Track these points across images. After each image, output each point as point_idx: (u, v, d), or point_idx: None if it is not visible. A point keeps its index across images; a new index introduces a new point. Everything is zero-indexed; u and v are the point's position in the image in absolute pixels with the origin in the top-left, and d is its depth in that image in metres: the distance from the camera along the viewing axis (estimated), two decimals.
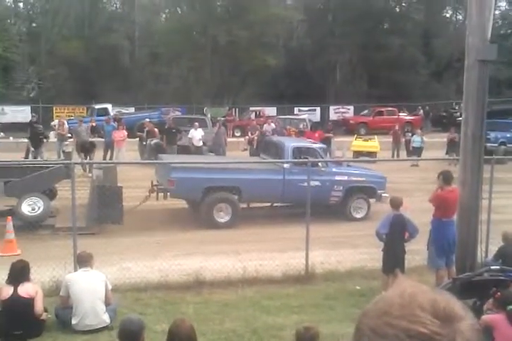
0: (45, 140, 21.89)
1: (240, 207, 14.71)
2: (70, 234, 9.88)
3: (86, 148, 21.29)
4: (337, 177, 15.24)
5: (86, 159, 20.57)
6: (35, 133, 21.72)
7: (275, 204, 15.85)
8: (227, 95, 40.81)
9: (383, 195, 15.12)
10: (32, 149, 21.38)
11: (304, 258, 10.25)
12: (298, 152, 15.53)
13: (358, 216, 15.31)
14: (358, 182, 15.49)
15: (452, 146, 23.26)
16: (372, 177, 15.81)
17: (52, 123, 26.01)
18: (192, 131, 23.87)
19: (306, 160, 14.05)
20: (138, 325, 5.22)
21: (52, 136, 23.57)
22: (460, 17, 48.36)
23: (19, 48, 40.40)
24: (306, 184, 11.82)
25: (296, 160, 14.96)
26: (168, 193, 14.63)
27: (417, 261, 9.94)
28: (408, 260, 9.40)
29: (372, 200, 15.45)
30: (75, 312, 7.68)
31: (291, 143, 16.37)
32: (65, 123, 24.91)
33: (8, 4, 46.95)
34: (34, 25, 46.27)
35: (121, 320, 5.68)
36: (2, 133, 24.04)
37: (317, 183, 14.18)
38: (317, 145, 16.78)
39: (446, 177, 9.31)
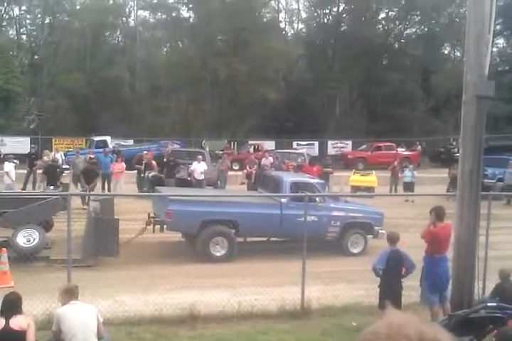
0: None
1: (236, 241, 14.63)
2: (65, 266, 9.81)
3: (89, 176, 21.04)
4: (334, 213, 15.23)
5: (88, 186, 20.50)
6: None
7: (272, 239, 15.77)
8: (226, 128, 41.04)
9: (380, 231, 15.10)
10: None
11: (300, 293, 10.16)
12: (296, 187, 15.53)
13: (355, 251, 15.25)
14: (356, 217, 15.47)
15: (454, 182, 23.23)
16: (370, 214, 15.80)
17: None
18: (195, 163, 23.96)
19: (304, 194, 14.05)
20: None
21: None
22: (458, 54, 48.99)
23: (20, 80, 40.71)
24: (303, 219, 11.81)
25: (293, 194, 14.94)
26: (165, 226, 14.58)
27: (413, 297, 9.84)
28: (405, 296, 9.31)
29: (369, 236, 15.40)
30: None
31: (289, 177, 16.38)
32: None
33: (11, 36, 47.54)
34: (36, 57, 46.73)
35: None
36: (17, 161, 23.81)
37: (314, 218, 14.17)
38: (315, 181, 16.80)
39: (438, 213, 9.30)
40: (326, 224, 14.93)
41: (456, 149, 36.82)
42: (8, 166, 21.79)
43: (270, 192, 15.93)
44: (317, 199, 14.82)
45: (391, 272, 9.00)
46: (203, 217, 14.21)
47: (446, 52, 52.51)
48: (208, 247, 14.26)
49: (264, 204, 15.13)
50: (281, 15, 52.01)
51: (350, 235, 15.31)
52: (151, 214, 15.02)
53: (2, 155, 30.83)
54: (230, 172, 27.65)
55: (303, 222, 11.56)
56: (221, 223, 14.49)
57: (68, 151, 31.51)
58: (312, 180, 16.70)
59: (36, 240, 13.47)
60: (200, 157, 24.39)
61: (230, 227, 14.54)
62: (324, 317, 9.93)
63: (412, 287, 9.67)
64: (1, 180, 21.69)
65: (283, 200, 14.89)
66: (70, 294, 7.88)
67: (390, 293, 8.93)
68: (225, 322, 9.52)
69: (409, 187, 25.50)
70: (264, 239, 15.84)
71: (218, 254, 14.35)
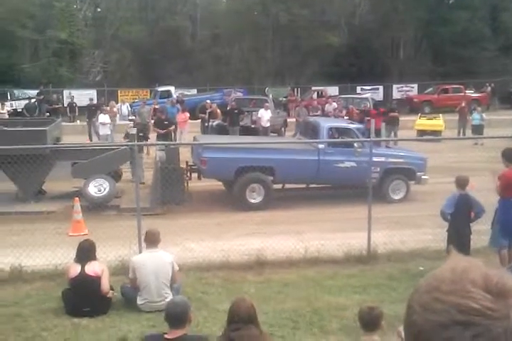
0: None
1: (272, 188, 14.43)
2: (135, 214, 10.07)
3: (163, 124, 20.69)
4: (374, 159, 14.79)
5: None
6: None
7: (311, 186, 15.45)
8: (289, 75, 40.66)
9: (423, 177, 14.82)
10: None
11: (366, 239, 10.15)
12: (334, 132, 15.32)
13: (397, 197, 14.90)
14: (396, 163, 15.03)
15: None
16: (412, 159, 15.34)
17: (117, 106, 26.46)
18: (261, 111, 23.86)
19: (359, 139, 14.06)
20: (183, 306, 5.25)
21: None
22: None
23: (85, 33, 41.18)
24: (341, 165, 11.65)
25: (334, 140, 14.74)
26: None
27: (483, 241, 9.68)
28: (474, 240, 9.18)
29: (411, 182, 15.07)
30: (141, 294, 7.82)
31: (326, 123, 16.06)
32: (115, 105, 25.42)
33: None
34: (99, 9, 47.01)
35: (167, 303, 5.78)
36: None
37: (353, 164, 14.04)
38: (354, 126, 16.24)
39: (509, 155, 9.03)
40: (364, 169, 14.52)
41: None
42: (104, 117, 22.10)
43: (309, 139, 15.60)
44: (355, 144, 14.52)
45: (460, 216, 8.85)
46: (237, 164, 13.99)
47: None
48: (245, 194, 14.16)
49: (301, 150, 14.78)
50: None
51: (391, 181, 14.92)
52: (189, 163, 15.10)
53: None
54: (294, 119, 27.43)
55: (341, 167, 11.44)
56: (257, 170, 14.22)
57: (134, 102, 31.98)
58: (351, 125, 16.26)
59: (107, 190, 13.85)
60: (267, 104, 24.29)
61: (267, 174, 14.35)
62: (390, 262, 9.91)
63: (481, 231, 9.49)
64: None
65: (320, 146, 14.62)
66: (148, 241, 8.06)
67: (459, 237, 8.83)
68: (291, 268, 9.62)
69: (478, 130, 24.79)
70: (303, 185, 15.51)
71: (254, 201, 14.20)
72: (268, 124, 23.59)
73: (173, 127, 21.07)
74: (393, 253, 10.23)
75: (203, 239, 10.97)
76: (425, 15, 42.06)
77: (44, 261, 9.39)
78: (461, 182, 9.02)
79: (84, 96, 34.76)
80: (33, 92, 33.12)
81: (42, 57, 39.32)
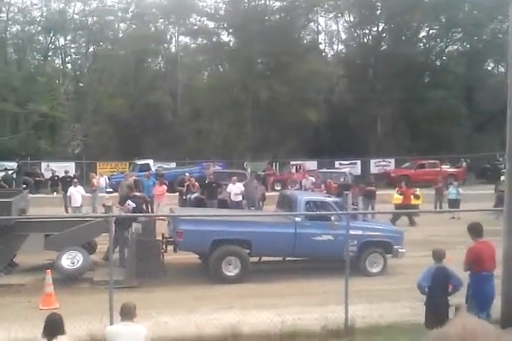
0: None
1: (249, 261, 14.24)
2: (108, 287, 9.81)
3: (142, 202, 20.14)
4: (351, 232, 14.69)
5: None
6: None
7: (287, 259, 15.36)
8: (268, 150, 41.06)
9: (400, 250, 14.80)
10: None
11: (344, 312, 9.95)
12: (311, 205, 15.34)
13: (374, 270, 14.79)
14: (373, 236, 14.99)
15: (501, 199, 22.59)
16: (389, 232, 15.39)
17: (94, 179, 26.47)
18: (230, 185, 23.72)
19: (335, 212, 14.25)
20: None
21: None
22: (502, 69, 48.18)
23: (66, 107, 41.60)
24: (318, 238, 12.30)
25: (311, 213, 14.77)
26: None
27: None
28: (452, 314, 9.02)
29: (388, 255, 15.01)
30: None
31: (303, 196, 16.12)
32: (95, 177, 26.03)
33: (57, 65, 48.75)
34: (81, 84, 47.72)
35: None
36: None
37: (330, 237, 14.03)
38: (330, 199, 16.29)
39: (475, 229, 9.09)
40: (342, 243, 14.36)
41: (502, 165, 36.17)
42: (72, 190, 22.21)
43: (286, 212, 15.63)
44: (332, 217, 14.53)
45: (437, 289, 8.74)
46: (213, 237, 13.87)
47: (489, 68, 51.73)
48: (220, 267, 13.93)
49: (278, 223, 14.77)
50: (321, 37, 52.27)
51: (368, 254, 14.84)
52: (166, 235, 14.90)
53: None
54: (273, 193, 27.40)
55: (319, 241, 12.16)
56: (233, 242, 14.13)
57: (112, 175, 32.01)
58: (328, 199, 16.30)
59: (80, 262, 13.58)
60: (234, 178, 24.14)
61: (243, 247, 14.23)
62: (369, 336, 9.69)
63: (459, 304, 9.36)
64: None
65: (297, 219, 14.58)
66: (122, 313, 7.77)
67: (437, 310, 8.66)
68: None
69: (454, 204, 24.98)
70: (280, 258, 15.43)
71: (230, 274, 13.97)
72: (239, 198, 23.31)
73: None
74: (371, 327, 10.02)
75: (177, 312, 10.68)
76: (402, 94, 43.22)
77: (10, 335, 9.04)
78: (438, 255, 8.97)
79: (62, 169, 34.71)
80: (11, 164, 33.03)
81: (22, 129, 39.51)
